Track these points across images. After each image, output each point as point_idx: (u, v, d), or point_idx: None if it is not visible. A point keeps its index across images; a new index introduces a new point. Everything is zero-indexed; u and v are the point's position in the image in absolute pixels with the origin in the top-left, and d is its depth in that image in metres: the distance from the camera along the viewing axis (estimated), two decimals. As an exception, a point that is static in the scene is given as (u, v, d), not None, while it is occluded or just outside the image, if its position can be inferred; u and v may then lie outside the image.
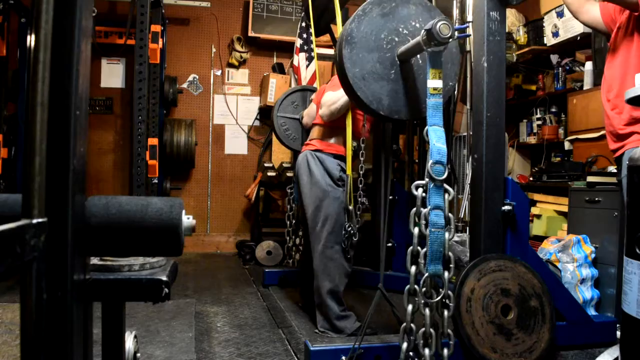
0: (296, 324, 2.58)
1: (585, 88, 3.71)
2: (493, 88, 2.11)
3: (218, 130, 5.14)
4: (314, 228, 2.45)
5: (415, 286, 1.58)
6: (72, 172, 0.66)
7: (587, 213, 3.03)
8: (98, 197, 0.76)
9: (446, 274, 1.51)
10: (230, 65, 5.13)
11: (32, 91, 0.62)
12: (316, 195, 2.44)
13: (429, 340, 1.59)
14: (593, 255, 2.82)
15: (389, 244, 3.40)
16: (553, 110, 4.24)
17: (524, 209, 2.19)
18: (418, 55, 1.76)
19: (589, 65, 3.68)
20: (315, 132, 2.65)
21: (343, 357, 1.90)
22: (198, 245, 4.98)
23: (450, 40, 1.50)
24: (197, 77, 5.09)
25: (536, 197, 3.79)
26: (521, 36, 4.34)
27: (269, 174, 4.46)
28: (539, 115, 4.35)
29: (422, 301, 1.56)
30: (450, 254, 1.52)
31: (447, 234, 1.49)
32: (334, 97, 2.41)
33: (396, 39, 1.70)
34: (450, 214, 1.52)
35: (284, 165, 4.27)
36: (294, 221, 3.78)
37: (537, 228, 3.64)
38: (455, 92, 3.64)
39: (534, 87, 4.47)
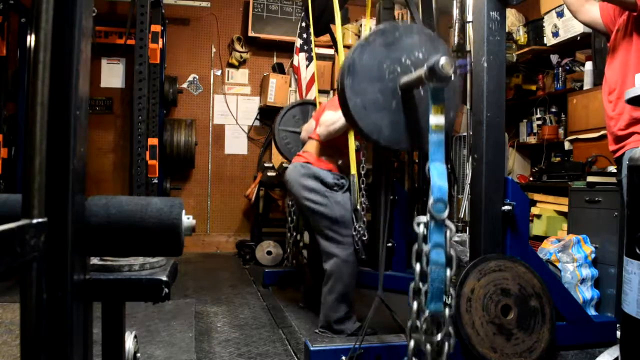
0: (296, 324, 2.58)
1: (585, 88, 3.71)
2: (493, 88, 2.11)
3: (218, 130, 5.14)
4: (321, 232, 2.43)
5: (417, 322, 1.55)
6: (72, 172, 0.66)
7: (587, 213, 3.03)
8: (98, 197, 0.76)
9: (447, 310, 1.50)
10: (230, 65, 5.13)
11: (32, 91, 0.62)
12: (315, 200, 2.42)
13: None
14: (593, 255, 2.82)
15: (389, 244, 3.40)
16: (553, 110, 4.24)
17: (524, 209, 2.19)
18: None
19: (589, 65, 3.68)
20: (309, 145, 2.63)
21: (343, 357, 1.90)
22: (198, 245, 4.98)
23: (453, 77, 1.47)
24: (197, 77, 5.09)
25: (536, 197, 3.79)
26: (521, 36, 4.34)
27: (269, 174, 4.46)
28: (539, 115, 4.35)
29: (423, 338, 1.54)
30: (451, 290, 1.50)
31: (448, 271, 1.48)
32: (334, 117, 2.40)
33: (398, 69, 1.68)
34: (452, 251, 1.51)
35: (284, 165, 4.27)
36: (294, 219, 3.77)
37: (537, 228, 3.64)
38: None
39: (534, 87, 4.47)
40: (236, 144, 5.17)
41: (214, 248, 5.06)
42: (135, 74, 3.51)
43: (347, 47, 4.67)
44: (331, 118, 2.43)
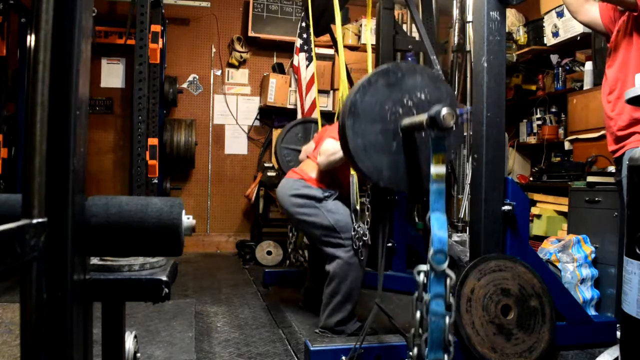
0: (296, 324, 2.58)
1: (585, 88, 3.71)
2: (493, 88, 2.11)
3: (218, 130, 5.14)
4: (319, 241, 2.43)
5: None
6: (72, 172, 0.66)
7: (587, 213, 3.03)
8: (98, 197, 0.76)
9: (446, 357, 1.49)
10: (230, 65, 5.13)
11: (32, 91, 0.62)
12: (306, 213, 2.42)
13: None
14: (593, 255, 2.82)
15: (389, 244, 3.40)
16: (553, 110, 4.24)
17: (524, 209, 2.19)
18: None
19: (589, 65, 3.68)
20: (306, 164, 2.64)
21: (343, 357, 1.90)
22: (198, 245, 4.98)
23: (454, 127, 1.45)
24: (197, 77, 5.09)
25: (536, 197, 3.79)
26: (521, 36, 4.34)
27: (269, 174, 4.46)
28: (539, 115, 4.35)
29: None
30: (450, 337, 1.50)
31: (447, 319, 1.48)
32: (335, 147, 2.34)
33: (400, 110, 1.66)
34: (451, 298, 1.50)
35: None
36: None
37: (537, 228, 3.64)
38: (456, 92, 3.64)
39: (534, 87, 4.47)
40: (236, 144, 5.17)
41: (214, 248, 5.06)
42: (135, 74, 3.51)
43: (347, 47, 4.68)
44: (332, 148, 2.38)
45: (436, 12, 3.96)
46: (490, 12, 2.10)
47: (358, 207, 2.41)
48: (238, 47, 5.03)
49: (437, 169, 1.50)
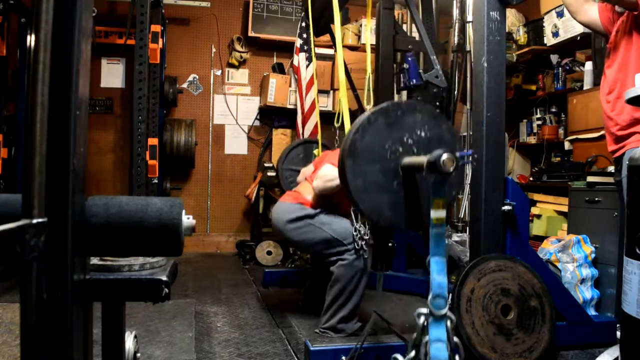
0: (296, 324, 2.58)
1: (585, 88, 3.71)
2: (493, 88, 2.11)
3: (218, 130, 5.14)
4: (322, 254, 2.43)
5: None
6: (72, 172, 0.66)
7: (587, 213, 3.03)
8: (98, 197, 0.76)
9: None
10: (230, 65, 5.13)
11: (32, 91, 0.62)
12: (302, 232, 2.43)
13: None
14: (593, 255, 2.82)
15: (389, 244, 3.40)
16: (553, 110, 4.24)
17: (524, 209, 2.19)
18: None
19: (589, 65, 3.68)
20: (303, 186, 2.64)
21: (343, 357, 1.90)
22: (198, 245, 4.98)
23: (454, 173, 1.43)
24: (197, 77, 5.09)
25: (536, 197, 3.79)
26: (521, 36, 4.34)
27: (269, 174, 4.46)
28: (539, 115, 4.35)
29: None
30: None
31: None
32: (332, 174, 2.31)
33: (400, 149, 1.64)
34: (455, 339, 1.49)
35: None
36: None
37: (537, 228, 3.64)
38: (456, 92, 3.64)
39: (534, 87, 4.47)
40: (236, 144, 5.17)
41: (214, 248, 5.06)
42: (135, 74, 3.51)
43: (347, 47, 4.68)
44: (330, 174, 2.36)
45: (436, 12, 3.96)
46: (490, 12, 2.10)
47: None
48: (238, 47, 5.03)
49: (437, 214, 1.48)
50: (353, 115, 3.12)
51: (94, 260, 0.87)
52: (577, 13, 2.41)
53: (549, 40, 4.00)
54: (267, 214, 4.72)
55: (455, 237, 3.08)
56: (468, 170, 3.22)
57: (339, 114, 3.05)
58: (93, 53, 3.86)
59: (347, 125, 2.55)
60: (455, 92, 3.63)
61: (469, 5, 3.40)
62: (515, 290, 1.97)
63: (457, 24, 3.61)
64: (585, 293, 2.76)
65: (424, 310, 1.50)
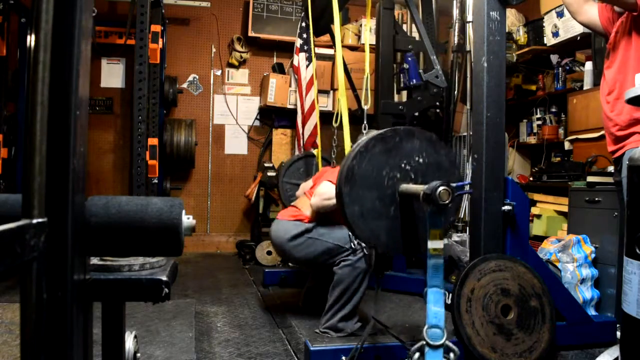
0: (296, 324, 2.58)
1: (585, 88, 3.71)
2: (493, 88, 2.11)
3: (218, 130, 5.14)
4: (327, 264, 2.43)
5: None
6: (72, 172, 0.66)
7: (587, 213, 3.03)
8: (98, 197, 0.76)
9: None
10: (230, 65, 5.13)
11: (32, 91, 0.62)
12: (303, 247, 2.43)
13: None
14: (593, 255, 2.82)
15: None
16: (553, 110, 4.24)
17: (524, 209, 2.19)
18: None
19: (589, 65, 3.68)
20: (300, 201, 2.64)
21: (343, 357, 1.90)
22: (198, 245, 4.98)
23: (450, 205, 1.42)
24: (197, 77, 5.09)
25: (536, 197, 3.79)
26: (521, 36, 4.34)
27: (269, 174, 4.46)
28: (539, 115, 4.35)
29: None
30: None
31: None
32: (330, 193, 2.30)
33: (398, 175, 1.64)
34: None
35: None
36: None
37: (537, 228, 3.64)
38: (456, 92, 3.64)
39: (534, 87, 4.47)
40: (236, 144, 5.17)
41: (214, 248, 5.06)
42: (135, 74, 3.50)
43: (347, 47, 4.68)
44: (328, 192, 2.35)
45: (436, 12, 3.96)
46: (490, 12, 2.10)
47: None
48: (238, 47, 5.03)
49: (434, 244, 1.48)
50: (352, 115, 3.13)
51: (94, 260, 0.87)
52: (577, 13, 2.41)
53: (549, 40, 4.00)
54: (267, 214, 4.72)
55: (455, 237, 3.08)
56: (468, 170, 3.22)
57: (337, 113, 3.05)
58: (93, 53, 3.87)
59: (346, 125, 2.55)
60: (455, 92, 3.63)
61: (469, 5, 3.40)
62: (515, 290, 1.97)
63: (457, 24, 3.61)
64: (585, 293, 2.76)
65: (418, 344, 1.48)
